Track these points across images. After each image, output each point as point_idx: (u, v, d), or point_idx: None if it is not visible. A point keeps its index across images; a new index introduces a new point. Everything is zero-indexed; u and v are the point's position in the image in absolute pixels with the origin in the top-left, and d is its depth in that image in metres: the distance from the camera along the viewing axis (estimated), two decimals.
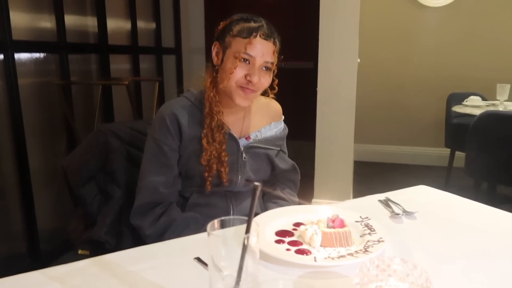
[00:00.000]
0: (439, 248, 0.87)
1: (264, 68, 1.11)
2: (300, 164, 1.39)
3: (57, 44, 2.25)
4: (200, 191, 1.17)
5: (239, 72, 1.09)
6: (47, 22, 2.21)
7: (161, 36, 3.33)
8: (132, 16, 2.93)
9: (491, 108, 2.95)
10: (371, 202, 1.12)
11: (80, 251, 2.34)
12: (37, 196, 2.11)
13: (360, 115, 2.94)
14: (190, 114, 1.15)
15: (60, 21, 2.24)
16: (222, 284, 0.55)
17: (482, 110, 2.69)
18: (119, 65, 2.86)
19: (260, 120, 1.26)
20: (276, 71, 1.15)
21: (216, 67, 1.15)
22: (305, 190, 2.73)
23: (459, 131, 3.22)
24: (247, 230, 0.53)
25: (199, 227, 1.08)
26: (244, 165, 1.19)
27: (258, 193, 0.54)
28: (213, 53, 1.16)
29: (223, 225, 0.58)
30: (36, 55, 2.15)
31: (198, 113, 1.16)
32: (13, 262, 2.04)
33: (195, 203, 1.18)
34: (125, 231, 1.27)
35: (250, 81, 1.09)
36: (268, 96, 1.25)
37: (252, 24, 1.10)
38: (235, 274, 0.54)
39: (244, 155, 1.19)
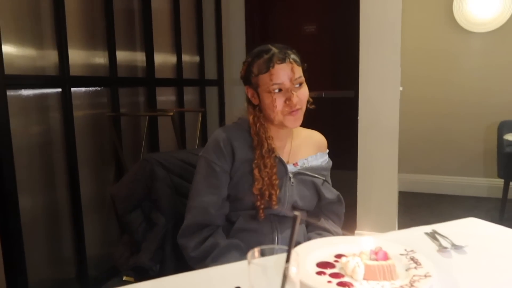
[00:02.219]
0: (491, 285, 0.82)
1: (296, 85, 1.16)
2: (342, 194, 1.37)
3: (109, 79, 2.40)
4: (246, 215, 1.20)
5: (279, 102, 1.15)
6: (100, 58, 2.37)
7: (204, 69, 3.46)
8: (178, 51, 3.08)
9: None
10: (417, 234, 1.08)
11: (125, 278, 2.40)
12: (86, 223, 2.21)
13: (405, 144, 2.87)
14: (242, 138, 1.20)
15: (112, 57, 2.40)
16: None
17: None
18: (165, 97, 2.99)
19: (306, 149, 1.30)
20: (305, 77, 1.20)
21: (257, 106, 1.22)
22: (347, 221, 2.65)
23: None
24: (287, 260, 0.53)
25: (241, 255, 1.09)
26: (292, 189, 1.22)
27: (298, 222, 0.54)
28: (249, 96, 1.23)
29: (263, 253, 0.59)
30: (90, 89, 2.30)
31: (249, 137, 1.21)
32: (62, 287, 2.12)
33: (241, 228, 1.19)
34: (168, 258, 1.30)
35: (290, 103, 1.14)
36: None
37: (265, 56, 1.16)
38: None
39: (292, 179, 1.22)
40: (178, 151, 2.00)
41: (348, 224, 2.69)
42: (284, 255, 0.55)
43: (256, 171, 1.15)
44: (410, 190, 4.14)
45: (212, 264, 1.09)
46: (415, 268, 0.84)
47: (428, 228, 1.10)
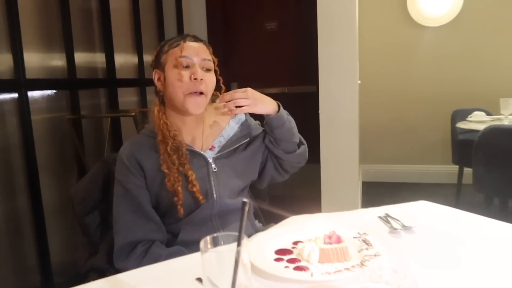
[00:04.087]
0: (436, 261, 0.88)
1: (205, 69, 1.16)
2: (307, 187, 1.40)
3: (68, 81, 2.36)
4: (187, 226, 1.15)
5: (184, 78, 1.12)
6: (58, 60, 2.32)
7: None
8: (139, 50, 3.05)
9: (496, 123, 2.95)
10: (371, 218, 1.14)
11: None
12: (50, 229, 2.16)
13: (366, 136, 2.97)
14: (147, 148, 1.16)
15: (70, 59, 2.35)
16: None
17: (486, 125, 2.70)
18: (127, 97, 2.95)
19: (218, 125, 1.26)
20: (218, 71, 1.21)
21: (161, 93, 1.19)
22: (312, 213, 2.72)
23: (465, 147, 3.22)
24: (238, 244, 0.57)
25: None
26: (216, 177, 1.17)
27: (246, 209, 0.58)
28: (155, 81, 1.20)
29: (215, 242, 0.61)
30: (48, 92, 2.25)
31: (153, 141, 1.16)
32: None
33: (184, 240, 1.14)
34: None
35: (195, 79, 1.12)
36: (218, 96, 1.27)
37: (179, 37, 1.18)
38: None
39: (213, 166, 1.18)
40: None
41: None
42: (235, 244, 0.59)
43: (164, 167, 1.10)
44: (373, 180, 4.29)
45: None
46: (367, 249, 0.89)
47: (381, 211, 1.16)
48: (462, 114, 3.34)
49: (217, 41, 3.44)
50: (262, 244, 0.94)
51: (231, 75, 3.27)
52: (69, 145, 2.38)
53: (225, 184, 1.18)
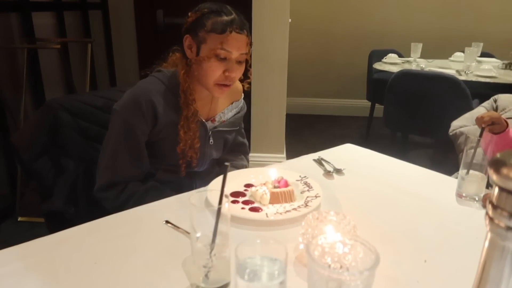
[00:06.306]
0: (362, 199, 1.08)
1: (238, 61, 1.14)
2: None
3: None
4: (165, 169, 1.25)
5: (218, 70, 1.13)
6: None
7: None
8: None
9: (406, 65, 3.28)
10: (307, 161, 1.31)
11: (20, 218, 2.34)
12: None
13: (291, 70, 3.10)
14: (165, 99, 1.17)
15: None
16: (201, 243, 0.69)
17: (398, 67, 3.01)
18: (41, 20, 2.65)
19: (223, 101, 1.32)
20: (250, 60, 1.19)
21: (190, 60, 1.16)
22: None
23: (378, 86, 3.55)
24: (220, 202, 0.67)
25: (159, 194, 1.19)
26: (210, 148, 1.29)
27: (228, 171, 0.67)
28: (185, 46, 1.16)
29: (200, 196, 0.71)
30: None
31: (173, 98, 1.18)
32: None
33: (160, 180, 1.24)
34: (81, 200, 1.34)
35: (228, 76, 1.13)
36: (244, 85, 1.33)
37: (225, 18, 1.10)
38: (210, 235, 0.68)
39: (211, 139, 1.28)
40: (82, 94, 1.91)
41: None
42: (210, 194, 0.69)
43: (181, 132, 1.16)
44: (296, 112, 4.56)
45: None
46: (308, 191, 1.06)
47: (316, 155, 1.33)
48: (378, 55, 3.63)
49: None
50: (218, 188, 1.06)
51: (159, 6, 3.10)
52: None
53: (212, 155, 1.31)
